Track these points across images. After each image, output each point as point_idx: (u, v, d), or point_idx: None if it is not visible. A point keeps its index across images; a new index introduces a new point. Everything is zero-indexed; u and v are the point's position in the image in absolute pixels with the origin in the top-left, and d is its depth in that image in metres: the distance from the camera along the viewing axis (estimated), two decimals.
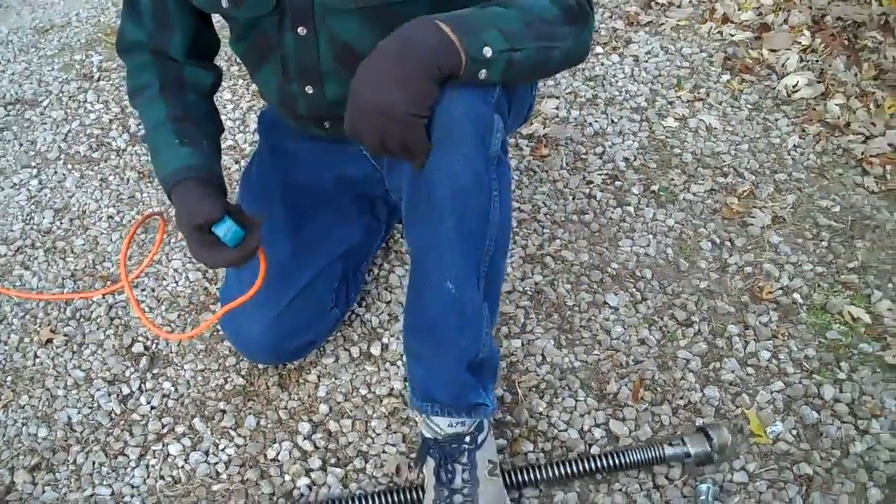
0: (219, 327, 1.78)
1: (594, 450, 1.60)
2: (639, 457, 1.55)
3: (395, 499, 1.49)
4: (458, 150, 1.19)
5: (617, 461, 1.54)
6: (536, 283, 1.91)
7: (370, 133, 1.12)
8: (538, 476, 1.52)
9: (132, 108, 1.66)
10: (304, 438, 1.62)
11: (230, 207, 1.30)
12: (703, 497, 1.52)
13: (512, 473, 1.52)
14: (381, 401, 1.68)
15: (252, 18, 1.41)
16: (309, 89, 1.48)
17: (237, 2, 1.37)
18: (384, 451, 1.60)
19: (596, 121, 2.40)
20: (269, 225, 1.41)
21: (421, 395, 1.44)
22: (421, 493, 1.48)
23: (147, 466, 1.59)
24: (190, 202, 1.30)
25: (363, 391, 1.70)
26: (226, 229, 1.27)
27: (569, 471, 1.53)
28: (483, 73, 1.15)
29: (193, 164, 1.35)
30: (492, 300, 1.40)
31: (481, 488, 1.42)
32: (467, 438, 1.43)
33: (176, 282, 1.93)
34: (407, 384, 1.65)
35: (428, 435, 1.45)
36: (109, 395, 1.71)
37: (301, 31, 1.39)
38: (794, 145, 2.32)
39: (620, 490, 1.54)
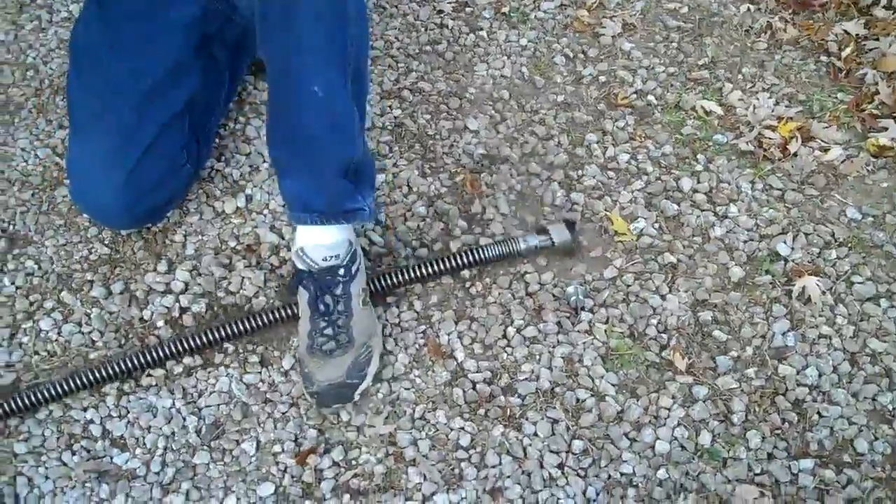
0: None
1: (465, 273, 1.63)
2: (494, 252, 1.60)
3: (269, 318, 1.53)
4: None
5: (475, 257, 1.60)
6: (396, 118, 1.89)
7: None
8: (402, 279, 1.58)
9: None
10: (179, 294, 1.61)
11: None
12: (573, 297, 1.57)
13: (376, 280, 1.57)
14: (252, 249, 1.67)
15: None
16: None
17: None
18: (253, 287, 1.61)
19: None
20: (104, 87, 1.34)
21: (299, 206, 1.44)
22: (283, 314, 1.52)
23: (21, 345, 1.55)
24: None
25: (232, 243, 1.68)
26: None
27: (431, 270, 1.59)
28: None
29: None
30: (360, 103, 1.40)
31: (355, 318, 1.44)
32: (341, 271, 1.44)
33: (25, 161, 1.85)
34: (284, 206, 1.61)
35: (301, 267, 1.45)
36: None
37: None
38: None
39: (495, 302, 1.58)
